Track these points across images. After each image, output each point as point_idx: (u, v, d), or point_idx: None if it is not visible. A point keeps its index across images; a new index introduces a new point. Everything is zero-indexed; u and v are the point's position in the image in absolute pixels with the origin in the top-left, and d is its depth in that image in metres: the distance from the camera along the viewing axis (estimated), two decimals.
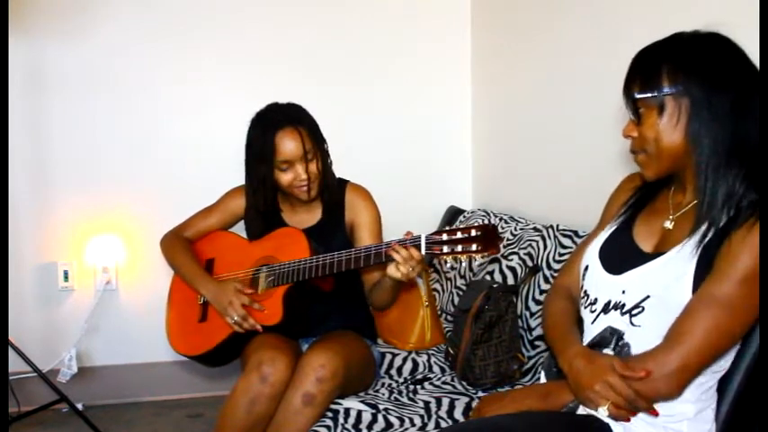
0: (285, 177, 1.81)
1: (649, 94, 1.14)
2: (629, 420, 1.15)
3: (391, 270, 1.61)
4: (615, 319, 1.20)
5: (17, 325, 2.49)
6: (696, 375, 1.13)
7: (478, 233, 1.47)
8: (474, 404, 1.70)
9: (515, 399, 1.30)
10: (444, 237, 1.51)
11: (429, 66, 2.85)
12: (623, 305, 1.19)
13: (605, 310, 1.23)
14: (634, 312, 1.17)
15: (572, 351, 1.22)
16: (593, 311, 1.26)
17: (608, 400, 1.12)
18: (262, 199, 1.87)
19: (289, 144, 1.77)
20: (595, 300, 1.26)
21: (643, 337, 1.15)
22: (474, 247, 1.47)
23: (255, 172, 1.83)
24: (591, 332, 1.25)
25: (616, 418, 1.15)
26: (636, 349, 1.16)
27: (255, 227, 1.94)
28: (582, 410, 1.22)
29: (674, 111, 1.13)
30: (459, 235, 1.49)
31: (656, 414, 1.13)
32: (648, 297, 1.15)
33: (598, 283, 1.26)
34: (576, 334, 1.28)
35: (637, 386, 1.11)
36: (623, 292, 1.20)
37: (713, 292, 1.07)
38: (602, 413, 1.14)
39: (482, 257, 1.50)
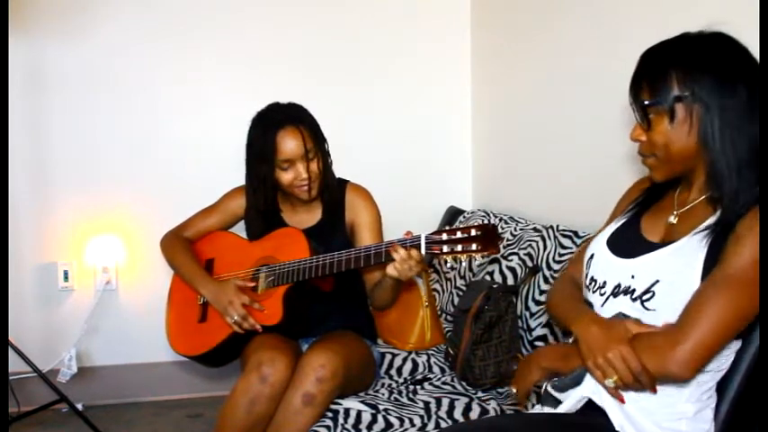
0: (286, 177, 1.81)
1: (659, 101, 1.14)
2: (624, 402, 1.15)
3: (390, 269, 1.61)
4: (626, 305, 1.20)
5: (17, 325, 2.49)
6: (711, 357, 1.11)
7: (478, 233, 1.47)
8: (474, 404, 1.71)
9: (538, 358, 1.30)
10: (444, 236, 1.51)
11: (429, 66, 2.85)
12: (633, 290, 1.19)
13: (614, 293, 1.22)
14: (645, 297, 1.17)
15: (588, 317, 1.21)
16: (602, 294, 1.25)
17: (616, 372, 1.12)
18: (262, 198, 1.87)
19: (290, 143, 1.77)
20: (604, 283, 1.25)
21: (658, 320, 1.15)
22: (474, 246, 1.47)
23: (256, 171, 1.83)
24: (601, 315, 1.24)
25: (614, 395, 1.15)
26: None
27: (255, 227, 1.94)
28: (581, 388, 1.21)
29: (686, 116, 1.13)
30: (458, 235, 1.49)
31: (654, 391, 1.12)
32: (658, 282, 1.15)
33: (606, 267, 1.26)
34: (586, 306, 1.28)
35: (651, 366, 1.10)
36: (632, 276, 1.20)
37: (724, 273, 1.07)
38: (609, 383, 1.14)
39: (482, 257, 1.50)
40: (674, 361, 1.08)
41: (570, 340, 1.29)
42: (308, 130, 1.81)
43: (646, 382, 1.11)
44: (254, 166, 1.84)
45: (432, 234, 1.54)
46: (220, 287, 1.83)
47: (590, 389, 1.20)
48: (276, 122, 1.79)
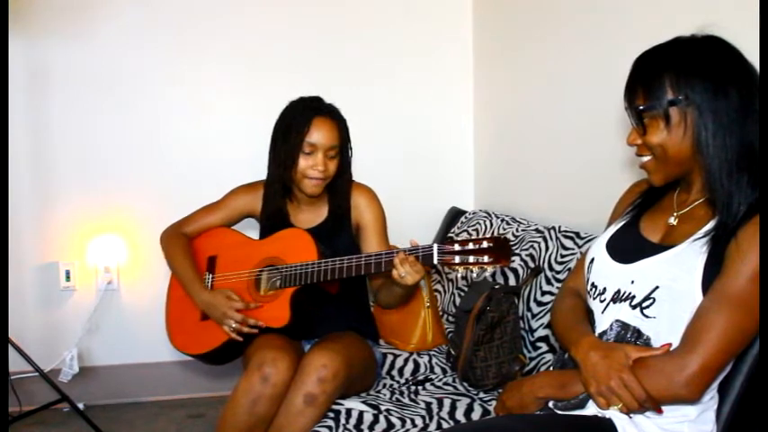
0: (304, 162, 1.82)
1: (653, 106, 1.14)
2: (630, 416, 1.15)
3: (396, 277, 1.60)
4: (626, 313, 1.20)
5: (19, 324, 2.50)
6: (718, 376, 1.13)
7: (490, 245, 1.47)
8: (475, 405, 1.71)
9: (533, 389, 1.29)
10: (456, 247, 1.51)
11: (431, 67, 2.85)
12: (633, 296, 1.19)
13: (615, 299, 1.23)
14: (645, 305, 1.17)
15: (586, 342, 1.21)
16: (602, 301, 1.26)
17: (621, 400, 1.12)
18: (282, 174, 1.86)
19: (322, 130, 1.82)
20: (604, 289, 1.26)
21: (657, 327, 1.16)
22: (486, 258, 1.48)
23: (284, 143, 1.84)
24: (602, 322, 1.25)
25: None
26: (654, 341, 1.17)
27: (272, 204, 1.92)
28: (586, 411, 1.22)
29: (680, 121, 1.14)
30: (470, 246, 1.49)
31: (660, 412, 1.13)
32: (658, 288, 1.16)
33: (606, 272, 1.27)
34: (587, 325, 1.28)
35: (656, 392, 1.10)
36: (632, 282, 1.20)
37: (726, 290, 1.08)
38: (614, 410, 1.14)
39: (493, 269, 1.50)
40: (683, 384, 1.08)
41: (566, 356, 1.30)
42: (341, 130, 1.86)
43: (651, 406, 1.11)
44: (282, 139, 1.84)
45: (444, 245, 1.54)
46: (212, 299, 1.82)
47: (594, 409, 1.20)
48: (317, 109, 1.85)
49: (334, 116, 1.86)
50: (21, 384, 2.50)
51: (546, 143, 2.33)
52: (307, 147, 1.81)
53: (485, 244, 1.48)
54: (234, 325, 1.76)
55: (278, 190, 1.90)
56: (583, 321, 1.30)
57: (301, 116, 1.83)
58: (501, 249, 1.47)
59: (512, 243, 2.14)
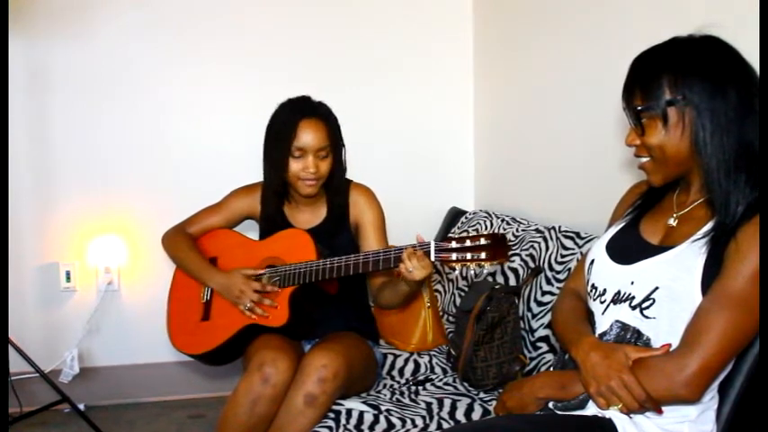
0: (295, 165, 1.82)
1: (651, 106, 1.15)
2: (630, 417, 1.15)
3: (404, 271, 1.59)
4: (626, 314, 1.20)
5: (19, 325, 2.50)
6: (718, 376, 1.13)
7: (488, 241, 1.48)
8: (475, 405, 1.71)
9: (533, 389, 1.29)
10: (453, 244, 1.51)
11: (431, 67, 2.85)
12: (632, 297, 1.19)
13: (615, 300, 1.23)
14: (645, 305, 1.17)
15: (586, 342, 1.21)
16: (602, 302, 1.26)
17: (620, 401, 1.12)
18: (277, 180, 1.87)
19: (309, 133, 1.81)
20: (604, 290, 1.26)
21: (657, 328, 1.16)
22: (483, 255, 1.48)
23: (272, 151, 1.85)
24: (602, 323, 1.25)
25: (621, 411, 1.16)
26: (654, 342, 1.17)
27: (270, 207, 1.93)
28: (586, 411, 1.22)
29: (678, 121, 1.14)
30: (467, 243, 1.49)
31: (660, 413, 1.13)
32: (658, 288, 1.16)
33: (606, 274, 1.27)
34: (587, 326, 1.28)
35: (656, 393, 1.10)
36: (632, 282, 1.20)
37: (726, 290, 1.08)
38: (614, 410, 1.14)
39: (490, 265, 1.50)
40: (683, 384, 1.08)
41: (567, 357, 1.30)
42: (330, 129, 1.84)
43: (651, 406, 1.11)
44: (272, 145, 1.85)
45: (441, 242, 1.54)
46: (229, 277, 1.83)
47: (594, 410, 1.20)
48: (303, 111, 1.84)
49: (321, 116, 1.85)
50: (21, 385, 2.50)
51: (546, 143, 2.33)
52: (296, 151, 1.81)
53: (482, 241, 1.48)
54: (249, 304, 1.77)
55: (275, 192, 1.91)
56: (583, 322, 1.30)
57: (288, 121, 1.82)
58: (498, 246, 1.47)
59: (512, 243, 2.14)
